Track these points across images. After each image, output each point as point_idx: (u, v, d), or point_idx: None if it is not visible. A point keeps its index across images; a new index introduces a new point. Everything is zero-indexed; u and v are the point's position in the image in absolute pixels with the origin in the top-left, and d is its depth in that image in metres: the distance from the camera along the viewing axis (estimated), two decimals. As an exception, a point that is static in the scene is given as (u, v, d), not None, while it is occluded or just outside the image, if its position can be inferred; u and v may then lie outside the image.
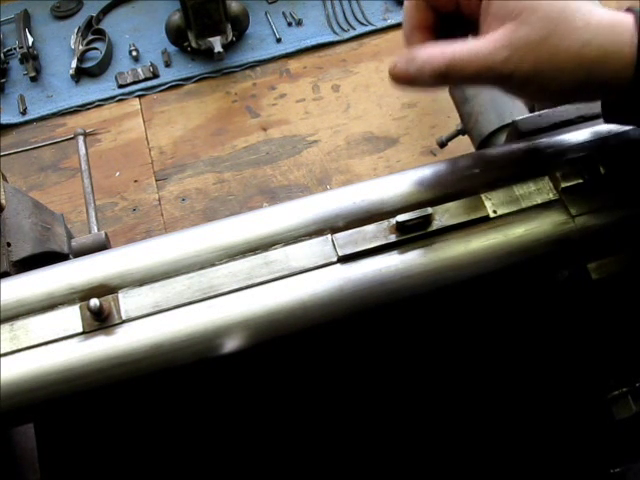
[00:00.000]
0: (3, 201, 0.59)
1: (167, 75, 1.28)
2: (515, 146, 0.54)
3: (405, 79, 0.47)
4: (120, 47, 1.33)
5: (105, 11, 1.37)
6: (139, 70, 1.28)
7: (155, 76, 1.28)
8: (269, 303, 0.47)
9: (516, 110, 0.76)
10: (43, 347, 0.45)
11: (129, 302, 0.47)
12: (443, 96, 0.92)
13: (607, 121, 0.50)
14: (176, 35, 1.27)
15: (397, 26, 1.29)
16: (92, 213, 0.79)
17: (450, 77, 0.45)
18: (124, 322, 0.46)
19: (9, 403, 0.44)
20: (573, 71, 0.42)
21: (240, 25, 1.28)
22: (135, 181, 1.16)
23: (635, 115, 0.46)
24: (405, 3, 0.49)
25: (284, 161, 1.16)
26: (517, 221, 0.50)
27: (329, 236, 0.49)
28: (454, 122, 0.98)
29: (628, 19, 0.42)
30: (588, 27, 0.41)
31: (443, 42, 0.46)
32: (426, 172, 0.52)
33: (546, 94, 0.45)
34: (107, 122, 1.23)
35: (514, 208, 0.50)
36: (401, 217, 0.48)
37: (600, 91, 0.45)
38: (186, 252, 0.48)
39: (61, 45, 1.33)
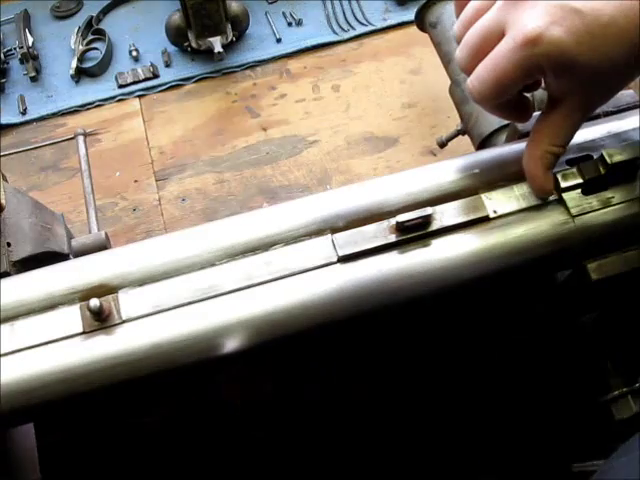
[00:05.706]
0: (3, 201, 0.59)
1: (167, 75, 1.28)
2: (515, 146, 0.54)
3: None
4: (120, 47, 1.33)
5: (105, 11, 1.37)
6: (139, 70, 1.28)
7: (155, 76, 1.27)
8: (269, 303, 0.47)
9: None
10: (43, 347, 0.45)
11: (129, 302, 0.47)
12: (443, 96, 0.92)
13: None
14: (176, 35, 1.27)
15: (397, 26, 1.28)
16: (92, 213, 0.79)
17: None
18: (124, 322, 0.46)
19: (9, 403, 0.44)
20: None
21: (240, 25, 1.28)
22: (135, 181, 1.16)
23: None
24: None
25: (284, 161, 1.16)
26: (517, 221, 0.50)
27: (329, 236, 0.49)
28: (454, 122, 0.98)
29: None
30: None
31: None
32: (426, 172, 0.52)
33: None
34: (107, 122, 1.23)
35: (514, 208, 0.50)
36: (401, 217, 0.48)
37: None
38: (186, 252, 0.48)
39: (61, 45, 1.33)
